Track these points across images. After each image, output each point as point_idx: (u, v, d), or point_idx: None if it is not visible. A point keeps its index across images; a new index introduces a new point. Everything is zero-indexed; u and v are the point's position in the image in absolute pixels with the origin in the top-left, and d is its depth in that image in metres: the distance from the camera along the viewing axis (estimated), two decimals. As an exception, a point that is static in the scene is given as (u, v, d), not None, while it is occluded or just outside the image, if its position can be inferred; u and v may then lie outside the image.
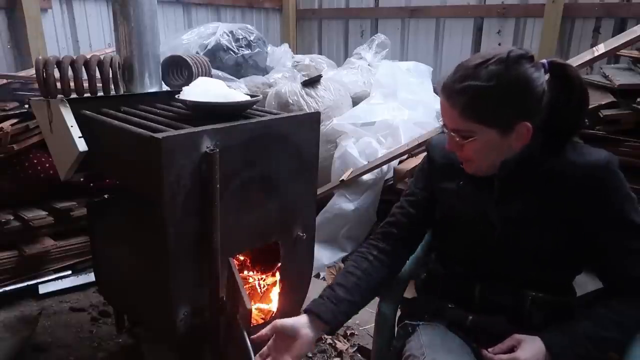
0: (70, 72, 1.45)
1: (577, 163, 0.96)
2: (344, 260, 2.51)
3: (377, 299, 1.22)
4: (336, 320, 1.02)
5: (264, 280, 1.64)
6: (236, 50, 3.29)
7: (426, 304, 1.17)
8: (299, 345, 0.98)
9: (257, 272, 1.66)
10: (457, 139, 0.97)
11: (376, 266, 1.12)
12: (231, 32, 3.31)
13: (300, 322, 1.00)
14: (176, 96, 1.43)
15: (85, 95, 1.49)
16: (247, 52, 3.34)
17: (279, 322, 1.00)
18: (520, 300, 1.04)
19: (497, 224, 1.03)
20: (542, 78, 0.93)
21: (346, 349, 1.85)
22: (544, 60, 0.97)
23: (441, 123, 1.03)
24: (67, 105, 1.42)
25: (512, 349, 0.97)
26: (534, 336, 0.97)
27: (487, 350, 0.99)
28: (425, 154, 1.21)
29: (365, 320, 2.00)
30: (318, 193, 2.23)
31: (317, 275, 2.40)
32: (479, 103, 0.92)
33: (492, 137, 0.94)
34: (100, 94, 1.54)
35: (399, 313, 1.24)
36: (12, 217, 2.07)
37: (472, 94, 0.91)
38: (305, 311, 1.03)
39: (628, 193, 0.96)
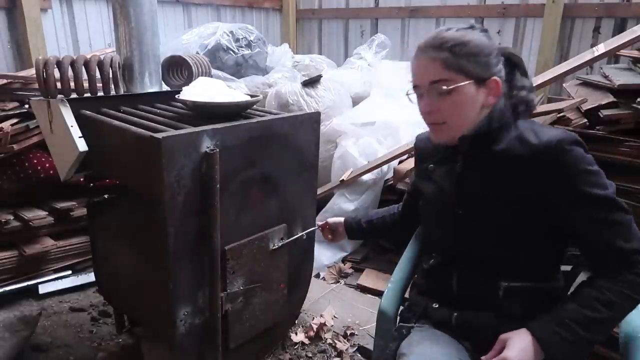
0: (70, 72, 1.45)
1: (531, 143, 1.00)
2: (344, 260, 2.51)
3: (378, 300, 1.23)
4: (353, 233, 1.49)
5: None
6: (236, 50, 3.29)
7: (416, 306, 1.20)
8: (337, 235, 1.52)
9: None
10: (439, 92, 1.03)
11: (394, 215, 1.47)
12: (231, 32, 3.31)
13: (339, 221, 1.51)
14: (176, 96, 1.43)
15: (85, 95, 1.49)
16: (247, 52, 3.34)
17: (331, 219, 1.54)
18: (494, 291, 1.05)
19: (455, 199, 1.10)
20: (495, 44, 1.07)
21: (346, 349, 1.84)
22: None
23: (412, 87, 1.11)
24: (67, 105, 1.42)
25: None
26: (520, 329, 0.96)
27: (481, 358, 0.98)
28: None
29: (365, 320, 2.00)
30: (318, 193, 2.23)
31: (317, 275, 2.40)
32: (459, 54, 1.02)
33: (470, 88, 1.03)
34: (100, 94, 1.54)
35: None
36: (12, 217, 2.07)
37: (451, 46, 1.02)
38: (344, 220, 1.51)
39: (586, 168, 0.96)
